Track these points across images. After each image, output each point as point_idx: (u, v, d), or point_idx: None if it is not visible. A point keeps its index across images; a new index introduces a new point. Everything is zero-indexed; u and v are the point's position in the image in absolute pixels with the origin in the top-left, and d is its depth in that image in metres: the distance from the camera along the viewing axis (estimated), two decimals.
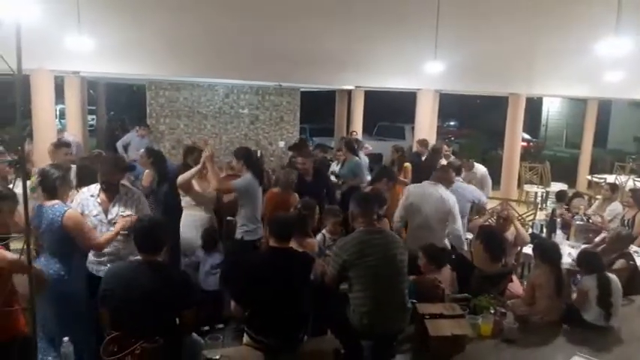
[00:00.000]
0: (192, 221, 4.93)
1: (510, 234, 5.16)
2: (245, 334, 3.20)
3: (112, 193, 3.74)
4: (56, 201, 3.44)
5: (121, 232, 3.57)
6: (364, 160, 8.02)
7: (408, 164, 7.55)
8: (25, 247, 2.54)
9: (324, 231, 4.58)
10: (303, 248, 3.81)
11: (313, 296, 3.25)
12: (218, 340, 2.96)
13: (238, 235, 4.84)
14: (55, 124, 8.49)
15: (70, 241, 3.41)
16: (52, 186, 3.43)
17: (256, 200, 4.91)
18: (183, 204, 4.99)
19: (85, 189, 3.86)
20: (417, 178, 6.93)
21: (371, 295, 3.16)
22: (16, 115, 2.51)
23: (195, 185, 4.88)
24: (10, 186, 4.44)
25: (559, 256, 3.86)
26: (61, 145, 5.89)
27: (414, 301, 3.37)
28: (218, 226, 5.16)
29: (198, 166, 4.71)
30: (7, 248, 2.83)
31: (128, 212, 3.69)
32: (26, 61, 2.40)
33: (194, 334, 3.08)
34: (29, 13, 2.45)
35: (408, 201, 4.96)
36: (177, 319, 2.85)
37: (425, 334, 3.04)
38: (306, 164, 5.95)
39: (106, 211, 3.70)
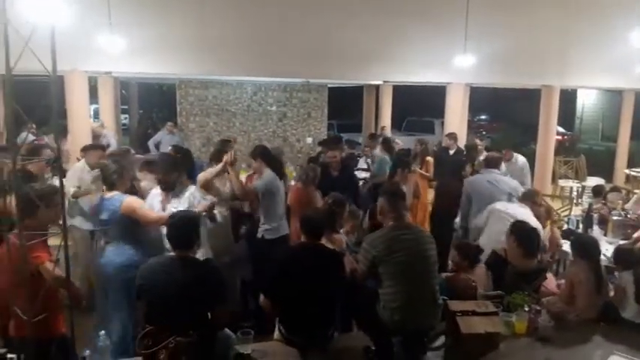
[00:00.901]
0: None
1: (545, 232, 5.01)
2: (276, 330, 3.22)
3: (167, 190, 4.01)
4: (115, 192, 3.75)
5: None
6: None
7: (430, 158, 7.47)
8: (62, 243, 2.62)
9: (341, 231, 4.53)
10: (331, 244, 3.80)
11: (344, 293, 3.24)
12: (249, 336, 2.99)
13: (259, 233, 4.84)
14: (89, 123, 8.72)
15: (137, 228, 3.69)
16: (111, 178, 3.77)
17: (277, 197, 4.88)
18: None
19: (153, 190, 4.17)
20: (441, 173, 6.85)
21: (401, 290, 3.13)
22: (53, 115, 2.58)
23: (216, 183, 4.92)
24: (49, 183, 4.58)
25: (598, 251, 3.75)
26: (94, 147, 6.06)
27: (446, 298, 3.32)
28: (234, 224, 5.16)
29: (219, 167, 4.70)
30: (46, 244, 2.92)
31: (181, 207, 3.86)
32: (61, 63, 2.47)
33: (226, 330, 3.11)
34: (63, 16, 2.51)
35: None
36: (209, 315, 2.89)
37: (457, 331, 2.99)
38: (336, 157, 5.94)
39: (164, 209, 3.95)
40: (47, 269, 2.81)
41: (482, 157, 7.78)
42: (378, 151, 8.10)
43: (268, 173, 4.83)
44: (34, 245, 2.68)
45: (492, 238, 4.47)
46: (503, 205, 4.84)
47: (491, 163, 5.70)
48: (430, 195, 6.95)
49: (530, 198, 4.98)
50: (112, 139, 9.09)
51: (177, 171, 4.10)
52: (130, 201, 3.70)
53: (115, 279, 3.73)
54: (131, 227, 3.72)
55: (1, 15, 2.22)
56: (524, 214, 4.56)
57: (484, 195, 5.24)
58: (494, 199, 5.06)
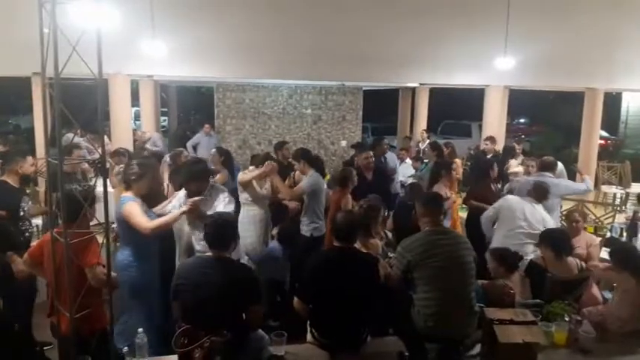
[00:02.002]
0: (251, 216, 5.06)
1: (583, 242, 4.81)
2: (309, 332, 3.23)
3: (192, 196, 3.94)
4: (128, 193, 3.74)
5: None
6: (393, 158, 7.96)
7: (457, 160, 7.38)
8: (105, 241, 2.71)
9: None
10: (366, 249, 3.78)
11: (379, 297, 3.22)
12: (283, 337, 3.00)
13: (307, 232, 4.94)
14: (131, 125, 9.00)
15: (134, 231, 3.65)
16: (127, 179, 3.77)
17: (321, 195, 5.11)
18: (241, 200, 5.13)
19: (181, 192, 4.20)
20: (477, 177, 6.72)
21: (436, 296, 3.10)
22: (98, 117, 2.67)
23: (254, 183, 5.03)
24: (91, 183, 4.74)
25: None
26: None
27: (482, 305, 3.26)
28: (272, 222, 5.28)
29: (259, 172, 4.85)
30: (96, 244, 3.01)
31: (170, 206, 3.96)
32: (105, 66, 2.55)
33: (260, 330, 3.14)
34: (108, 21, 2.60)
35: None
36: (244, 315, 2.92)
37: (493, 340, 2.92)
38: (368, 159, 5.94)
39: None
40: (95, 272, 2.91)
41: (518, 160, 7.62)
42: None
43: (312, 173, 5.04)
44: (82, 245, 2.75)
45: (502, 235, 4.52)
46: (516, 203, 4.74)
47: (547, 167, 5.67)
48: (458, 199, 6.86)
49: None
50: (158, 140, 9.51)
51: (196, 180, 4.03)
52: (128, 207, 3.65)
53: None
54: (128, 229, 3.70)
55: (52, 20, 2.31)
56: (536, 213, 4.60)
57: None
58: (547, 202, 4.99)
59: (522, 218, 4.57)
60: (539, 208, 4.73)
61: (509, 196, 5.06)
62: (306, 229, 5.02)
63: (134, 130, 9.59)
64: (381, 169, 6.45)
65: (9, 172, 4.57)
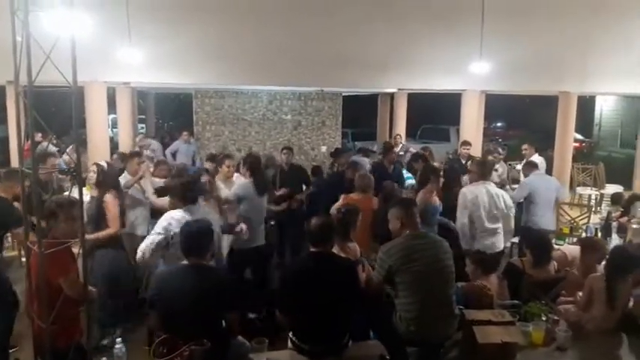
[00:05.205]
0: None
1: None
2: (289, 339, 3.21)
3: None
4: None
5: None
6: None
7: (436, 164, 7.50)
8: (81, 251, 2.67)
9: None
10: (345, 253, 3.79)
11: (358, 301, 3.22)
12: (264, 344, 2.99)
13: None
14: (107, 133, 8.89)
15: None
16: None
17: (247, 204, 4.98)
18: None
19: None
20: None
21: (417, 301, 3.11)
22: (73, 125, 2.64)
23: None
24: (66, 193, 4.65)
25: (616, 263, 3.67)
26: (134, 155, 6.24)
27: (462, 307, 3.30)
28: None
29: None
30: (71, 252, 2.95)
31: None
32: (81, 74, 2.52)
33: (240, 337, 3.12)
34: (83, 28, 2.58)
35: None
36: (223, 323, 2.90)
37: (473, 341, 2.96)
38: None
39: None
40: (67, 282, 2.84)
41: (498, 166, 7.76)
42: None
43: (245, 182, 5.09)
44: (57, 254, 2.70)
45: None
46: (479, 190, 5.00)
47: (534, 165, 6.48)
48: None
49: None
50: (157, 150, 9.70)
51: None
52: None
53: None
54: None
55: (25, 28, 2.28)
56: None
57: (542, 192, 5.92)
58: (551, 195, 5.96)
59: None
60: None
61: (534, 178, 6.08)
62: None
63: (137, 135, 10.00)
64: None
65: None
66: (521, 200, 6.03)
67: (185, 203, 3.80)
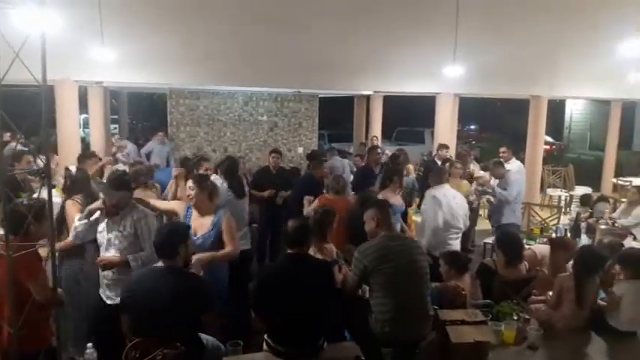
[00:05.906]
0: None
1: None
2: (264, 341, 3.20)
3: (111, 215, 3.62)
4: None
5: None
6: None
7: (410, 165, 7.73)
8: (50, 255, 2.60)
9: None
10: (321, 254, 3.79)
11: (335, 302, 3.23)
12: (239, 347, 2.97)
13: None
14: (79, 133, 8.70)
15: None
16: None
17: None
18: None
19: None
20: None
21: (392, 302, 3.13)
22: (42, 124, 2.58)
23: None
24: (35, 195, 4.53)
25: (583, 263, 3.77)
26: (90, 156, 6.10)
27: (436, 307, 3.33)
28: None
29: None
30: (38, 255, 2.88)
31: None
32: (51, 72, 2.47)
33: (216, 340, 3.09)
34: (54, 26, 2.52)
35: None
36: (198, 326, 2.87)
37: (446, 340, 3.00)
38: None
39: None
40: (36, 286, 2.77)
41: (472, 166, 7.88)
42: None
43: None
44: (25, 258, 2.63)
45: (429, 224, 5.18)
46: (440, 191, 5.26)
47: (502, 164, 6.77)
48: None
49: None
50: (132, 152, 9.58)
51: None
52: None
53: None
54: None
55: None
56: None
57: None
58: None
59: None
60: None
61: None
62: None
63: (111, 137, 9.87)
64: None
65: None
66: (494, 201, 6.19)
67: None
